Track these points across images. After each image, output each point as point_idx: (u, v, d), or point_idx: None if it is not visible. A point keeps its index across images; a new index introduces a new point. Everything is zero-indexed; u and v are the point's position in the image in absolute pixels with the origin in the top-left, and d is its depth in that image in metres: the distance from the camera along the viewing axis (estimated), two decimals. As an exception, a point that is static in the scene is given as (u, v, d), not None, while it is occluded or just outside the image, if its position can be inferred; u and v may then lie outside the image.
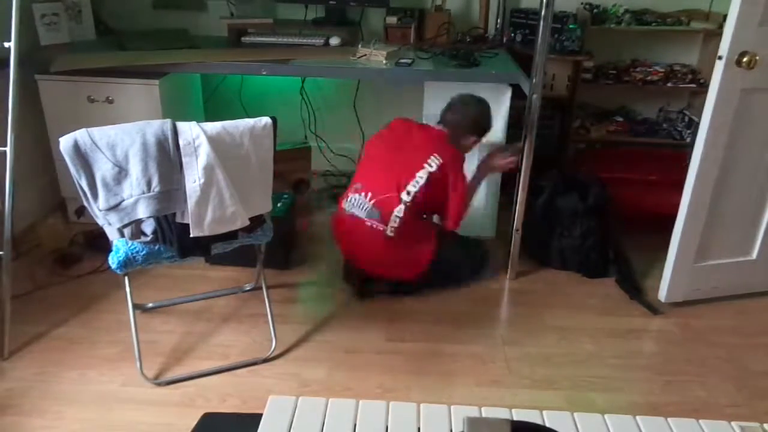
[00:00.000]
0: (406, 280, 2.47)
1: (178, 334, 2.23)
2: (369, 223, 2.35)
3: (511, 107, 2.71)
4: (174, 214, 1.83)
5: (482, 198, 3.15)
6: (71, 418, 1.85)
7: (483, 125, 2.53)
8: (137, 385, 1.98)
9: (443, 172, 2.34)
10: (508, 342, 2.25)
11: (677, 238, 2.32)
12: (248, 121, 1.87)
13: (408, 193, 2.32)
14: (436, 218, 2.55)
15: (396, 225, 2.33)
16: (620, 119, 3.30)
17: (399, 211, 2.33)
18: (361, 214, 2.37)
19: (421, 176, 2.33)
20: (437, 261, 2.44)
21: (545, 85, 2.97)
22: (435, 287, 2.53)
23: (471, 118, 2.49)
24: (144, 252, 1.88)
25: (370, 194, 2.36)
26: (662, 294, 2.45)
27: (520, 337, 2.28)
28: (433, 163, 2.34)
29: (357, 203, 2.39)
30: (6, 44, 2.02)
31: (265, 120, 1.90)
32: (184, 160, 1.78)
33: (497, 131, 2.86)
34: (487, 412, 1.19)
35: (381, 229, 2.34)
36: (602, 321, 2.39)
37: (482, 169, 2.60)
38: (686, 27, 3.10)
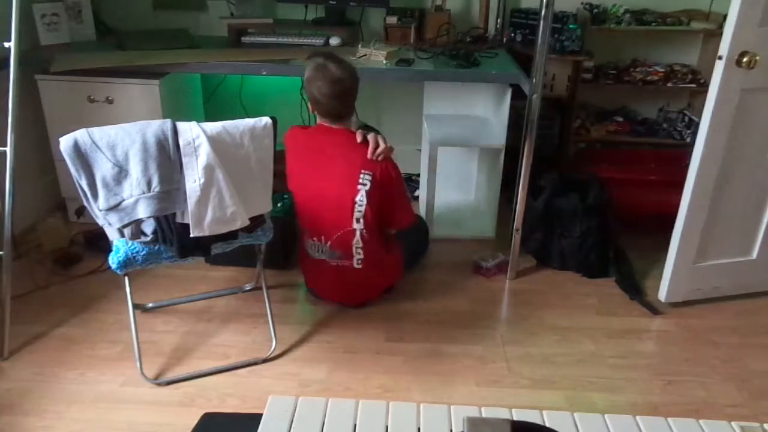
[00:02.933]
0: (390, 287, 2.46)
1: (179, 334, 2.23)
2: (335, 263, 2.29)
3: (511, 107, 2.71)
4: (174, 214, 1.83)
5: (482, 198, 3.15)
6: (71, 418, 1.85)
7: (357, 87, 2.26)
8: (137, 385, 1.98)
9: (379, 183, 2.18)
10: (508, 342, 2.25)
11: (677, 238, 2.32)
12: (248, 121, 1.87)
13: (357, 220, 2.20)
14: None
15: (361, 255, 2.26)
16: (620, 119, 3.30)
17: (357, 241, 2.23)
18: (324, 257, 2.30)
19: (360, 199, 2.18)
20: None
21: (545, 85, 2.97)
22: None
23: (355, 94, 2.26)
24: (144, 252, 1.88)
25: (323, 238, 2.26)
26: (662, 294, 2.45)
27: (520, 337, 2.28)
28: (366, 181, 2.17)
29: (316, 249, 2.31)
30: (6, 44, 2.02)
31: (265, 120, 1.90)
32: (184, 160, 1.78)
33: (499, 132, 2.86)
34: (487, 412, 1.19)
35: (348, 264, 2.28)
36: (602, 321, 2.39)
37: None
38: (686, 27, 3.10)
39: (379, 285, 2.43)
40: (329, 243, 2.26)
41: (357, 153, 2.20)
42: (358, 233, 2.22)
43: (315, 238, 2.29)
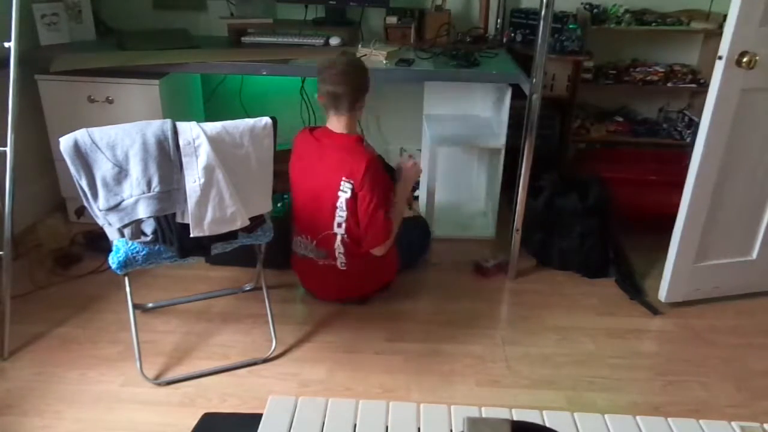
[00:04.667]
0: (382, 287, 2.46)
1: (178, 334, 2.23)
2: (321, 263, 2.33)
3: (511, 107, 2.71)
4: (174, 214, 1.83)
5: (482, 198, 3.15)
6: (71, 418, 1.85)
7: (367, 76, 2.27)
8: (137, 385, 1.98)
9: (359, 192, 2.18)
10: (508, 342, 2.25)
11: (677, 238, 2.32)
12: (248, 121, 1.87)
13: (338, 225, 2.23)
14: None
15: (344, 259, 2.28)
16: (620, 119, 3.30)
17: (338, 246, 2.26)
18: (311, 255, 2.34)
19: (340, 205, 2.20)
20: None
21: (545, 85, 2.96)
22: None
23: (362, 71, 2.25)
24: (144, 252, 1.88)
25: (309, 236, 2.31)
26: (662, 294, 2.45)
27: (520, 337, 2.28)
28: (346, 189, 2.18)
29: (303, 246, 2.35)
30: (6, 44, 2.02)
31: (265, 120, 1.90)
32: (184, 160, 1.78)
33: (499, 132, 2.86)
34: (487, 412, 1.19)
35: (333, 264, 2.31)
36: (602, 321, 2.39)
37: (399, 188, 2.38)
38: (686, 27, 3.10)
39: (371, 283, 2.43)
40: (315, 242, 2.30)
41: (345, 160, 2.20)
42: (338, 237, 2.25)
43: (303, 236, 2.34)
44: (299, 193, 2.35)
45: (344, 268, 2.30)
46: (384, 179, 2.26)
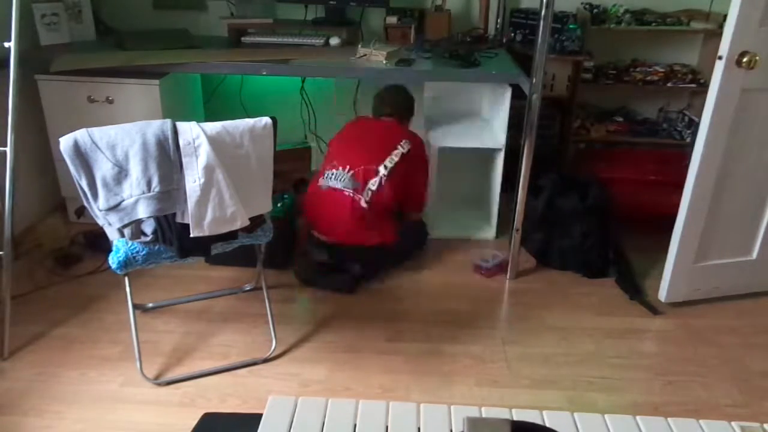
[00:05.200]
0: (371, 248, 2.54)
1: (178, 334, 2.23)
2: (347, 192, 2.49)
3: (511, 107, 2.71)
4: (174, 214, 1.83)
5: (482, 198, 3.15)
6: (71, 418, 1.85)
7: (412, 108, 2.79)
8: (137, 385, 1.98)
9: (414, 154, 2.58)
10: (508, 342, 2.25)
11: (677, 238, 2.32)
12: (248, 121, 1.87)
13: (385, 167, 2.50)
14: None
15: (369, 198, 2.48)
16: (620, 119, 3.30)
17: (373, 184, 2.48)
18: (339, 185, 2.52)
19: (396, 154, 2.52)
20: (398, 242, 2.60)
21: (545, 85, 2.97)
22: (390, 268, 2.65)
23: (405, 105, 2.76)
24: (144, 252, 1.88)
25: (348, 167, 2.52)
26: (662, 294, 2.45)
27: (520, 337, 2.28)
28: (405, 146, 2.55)
29: (334, 177, 2.54)
30: (6, 44, 2.02)
31: (265, 120, 1.90)
32: (184, 160, 1.78)
33: (499, 132, 2.86)
34: (487, 412, 1.19)
35: (357, 198, 2.48)
36: (602, 321, 2.39)
37: None
38: (686, 27, 3.10)
39: (373, 234, 2.54)
40: (352, 172, 2.51)
41: (405, 130, 2.67)
42: (378, 178, 2.50)
43: (340, 167, 2.53)
44: (347, 135, 2.68)
45: (365, 206, 2.48)
46: (427, 158, 2.73)
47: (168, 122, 1.78)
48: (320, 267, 2.55)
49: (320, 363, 2.11)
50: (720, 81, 2.07)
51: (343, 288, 2.48)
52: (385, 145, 2.55)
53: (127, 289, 1.94)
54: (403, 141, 2.57)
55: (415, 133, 2.68)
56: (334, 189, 2.50)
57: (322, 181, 2.56)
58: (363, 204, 2.47)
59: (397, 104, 2.72)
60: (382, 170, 2.49)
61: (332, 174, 2.54)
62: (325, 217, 2.55)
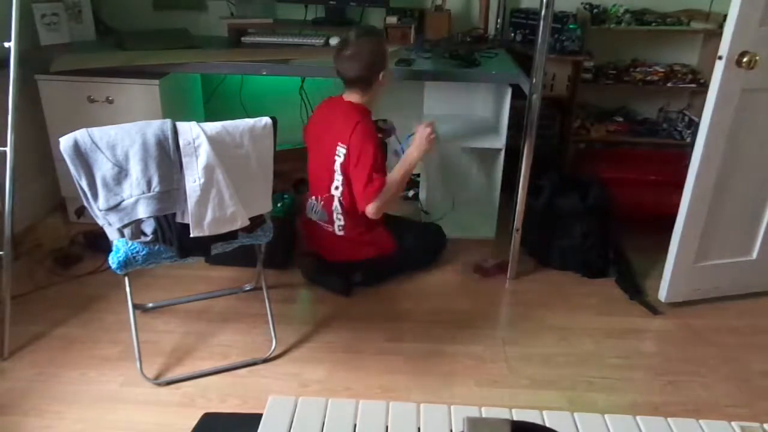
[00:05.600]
0: (374, 262, 2.52)
1: (178, 334, 2.23)
2: (324, 226, 2.49)
3: (511, 107, 2.71)
4: (174, 214, 1.83)
5: (482, 198, 3.15)
6: (71, 418, 1.85)
7: (384, 58, 2.34)
8: (137, 385, 1.98)
9: (351, 152, 2.30)
10: (508, 342, 2.25)
11: (677, 238, 2.32)
12: (248, 121, 1.87)
13: (336, 188, 2.40)
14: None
15: (341, 222, 2.44)
16: (620, 119, 3.30)
17: (336, 208, 2.42)
18: (315, 218, 2.51)
19: (336, 170, 2.37)
20: (399, 249, 2.54)
21: (545, 85, 2.96)
22: (398, 275, 2.60)
23: (375, 59, 2.31)
24: (144, 252, 1.88)
25: (317, 197, 2.48)
26: (662, 294, 2.45)
27: (520, 337, 2.28)
28: (340, 153, 2.35)
29: (311, 208, 2.52)
30: (6, 44, 2.02)
31: (265, 120, 1.90)
32: (184, 160, 1.78)
33: (499, 132, 2.86)
34: (487, 412, 1.19)
35: (330, 230, 2.48)
36: (602, 321, 2.39)
37: (408, 152, 2.43)
38: (686, 27, 3.10)
39: (368, 248, 2.52)
40: (321, 203, 2.46)
41: (342, 126, 2.35)
42: (336, 201, 2.41)
43: (312, 196, 2.51)
44: (310, 156, 2.54)
45: (341, 233, 2.45)
46: (374, 141, 2.33)
47: (168, 122, 1.78)
48: (320, 266, 2.55)
49: (320, 363, 2.11)
50: (720, 81, 2.07)
51: (337, 291, 2.48)
52: (330, 158, 2.36)
53: (127, 289, 1.94)
54: (338, 148, 2.33)
55: (360, 115, 2.33)
56: (315, 222, 2.53)
57: (307, 210, 2.55)
58: (338, 233, 2.47)
59: (366, 62, 2.29)
60: (335, 193, 2.40)
61: (311, 205, 2.52)
62: (318, 243, 2.58)
